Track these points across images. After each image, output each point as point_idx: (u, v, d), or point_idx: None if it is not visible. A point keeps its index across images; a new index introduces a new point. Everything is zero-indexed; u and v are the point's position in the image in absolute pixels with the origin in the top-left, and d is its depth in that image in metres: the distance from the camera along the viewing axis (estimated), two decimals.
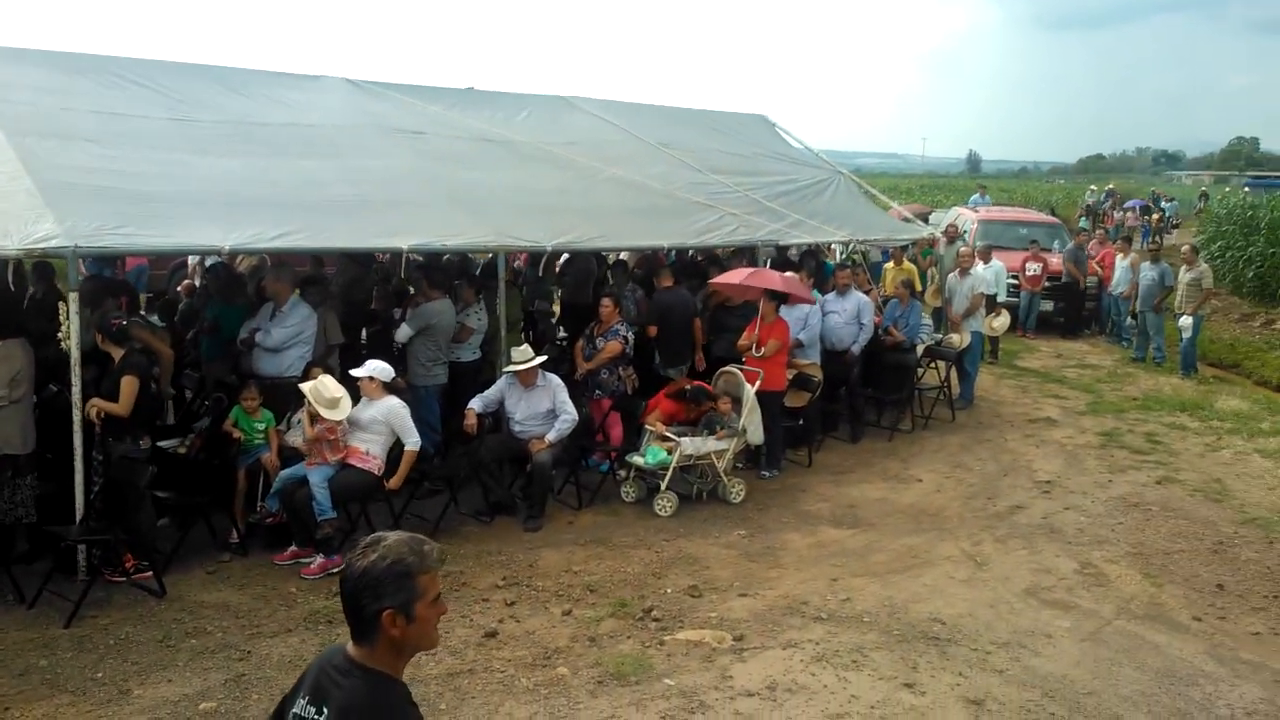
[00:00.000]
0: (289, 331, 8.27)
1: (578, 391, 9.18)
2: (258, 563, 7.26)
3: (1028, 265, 17.40)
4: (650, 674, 5.72)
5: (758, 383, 9.01)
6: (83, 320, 6.85)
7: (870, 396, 11.35)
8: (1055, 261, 17.83)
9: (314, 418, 7.24)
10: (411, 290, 10.20)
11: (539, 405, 8.30)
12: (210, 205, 7.60)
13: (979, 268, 13.32)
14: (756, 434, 9.10)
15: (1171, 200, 40.49)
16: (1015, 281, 17.27)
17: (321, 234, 7.84)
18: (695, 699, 5.45)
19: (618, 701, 5.42)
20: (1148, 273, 15.36)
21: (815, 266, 12.11)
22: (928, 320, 12.53)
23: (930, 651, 6.07)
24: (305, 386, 7.29)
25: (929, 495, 9.23)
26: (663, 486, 8.48)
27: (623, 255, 13.18)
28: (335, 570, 6.53)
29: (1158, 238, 29.88)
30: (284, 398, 7.91)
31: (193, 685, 5.53)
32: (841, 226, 11.88)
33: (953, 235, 15.74)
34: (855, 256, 13.21)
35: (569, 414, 8.29)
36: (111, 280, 9.84)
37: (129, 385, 6.72)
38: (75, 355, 6.63)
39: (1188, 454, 10.57)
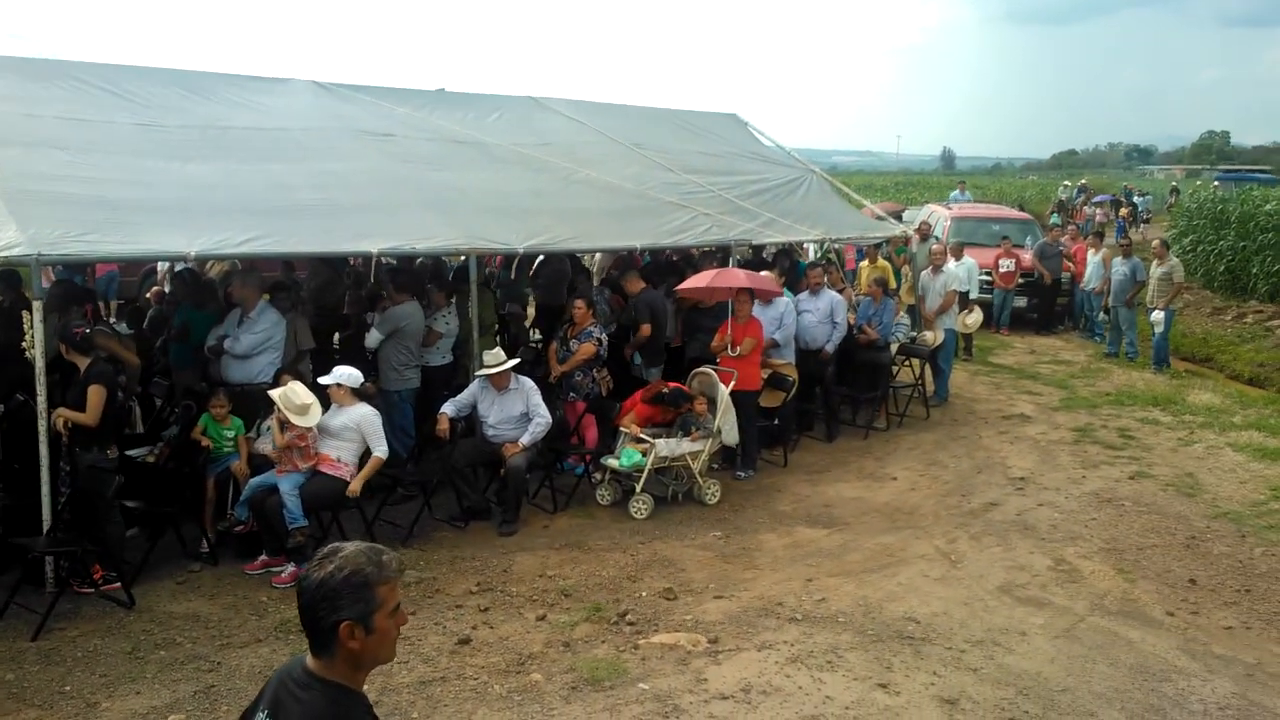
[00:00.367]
0: (257, 338, 8.21)
1: (552, 394, 9.15)
2: (228, 572, 7.18)
3: (1000, 262, 17.46)
4: (625, 678, 5.69)
5: (732, 383, 9.01)
6: (49, 328, 6.76)
7: (845, 395, 11.38)
8: (1027, 258, 17.94)
9: (284, 425, 7.16)
10: (383, 294, 10.15)
11: (512, 409, 8.26)
12: (176, 211, 7.52)
13: (951, 265, 13.37)
14: (731, 434, 9.08)
15: (1145, 195, 40.74)
16: (989, 278, 17.34)
17: (290, 238, 7.76)
18: (670, 703, 5.43)
19: (592, 707, 5.39)
20: (1119, 268, 15.44)
21: (789, 266, 12.13)
22: (905, 318, 12.57)
23: (905, 651, 6.08)
24: (275, 393, 7.21)
25: (904, 493, 9.26)
26: (638, 489, 8.45)
27: (585, 261, 13.15)
28: None
29: (1129, 233, 30.10)
30: (253, 405, 7.84)
31: (161, 697, 5.47)
32: (814, 225, 11.89)
33: (925, 233, 15.80)
34: (830, 255, 13.23)
35: (542, 417, 8.24)
36: (77, 287, 9.71)
37: (96, 395, 6.64)
38: (40, 365, 6.54)
39: (1160, 449, 10.63)
